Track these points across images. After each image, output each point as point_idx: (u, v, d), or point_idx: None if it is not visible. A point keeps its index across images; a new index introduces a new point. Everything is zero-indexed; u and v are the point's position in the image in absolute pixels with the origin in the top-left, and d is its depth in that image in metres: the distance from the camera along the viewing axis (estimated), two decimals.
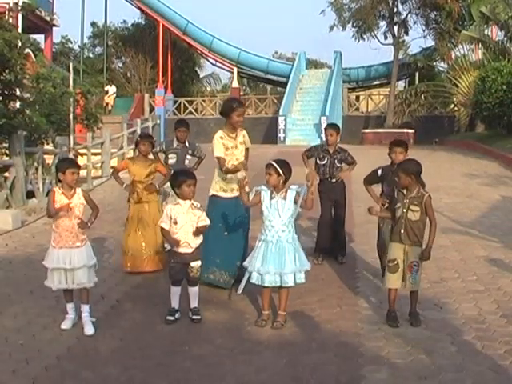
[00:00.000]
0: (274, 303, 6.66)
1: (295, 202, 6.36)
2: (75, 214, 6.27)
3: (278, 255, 6.31)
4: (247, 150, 7.82)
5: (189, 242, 6.47)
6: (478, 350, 5.72)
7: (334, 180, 8.85)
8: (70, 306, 6.42)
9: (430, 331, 6.20)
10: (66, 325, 6.31)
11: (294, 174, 6.49)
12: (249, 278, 6.53)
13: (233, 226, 7.60)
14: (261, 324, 6.40)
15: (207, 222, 6.53)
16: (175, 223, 6.45)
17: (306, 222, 10.78)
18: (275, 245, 6.34)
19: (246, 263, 6.56)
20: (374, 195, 7.72)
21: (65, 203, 6.23)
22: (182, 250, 6.50)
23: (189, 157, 9.36)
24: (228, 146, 7.53)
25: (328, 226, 9.00)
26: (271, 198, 6.39)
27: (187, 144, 9.40)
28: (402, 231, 6.35)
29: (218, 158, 7.53)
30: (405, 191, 6.38)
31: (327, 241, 8.97)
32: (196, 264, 6.53)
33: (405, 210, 6.34)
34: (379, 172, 7.75)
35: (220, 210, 7.57)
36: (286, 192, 6.38)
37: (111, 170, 18.48)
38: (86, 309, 6.35)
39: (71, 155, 17.09)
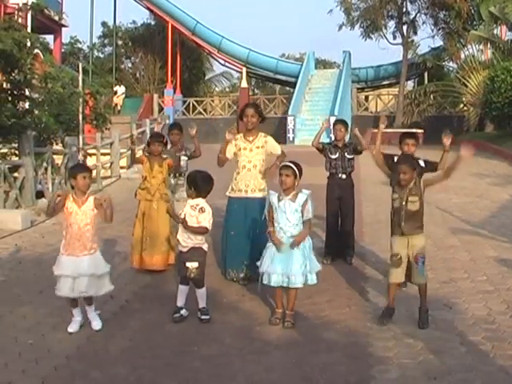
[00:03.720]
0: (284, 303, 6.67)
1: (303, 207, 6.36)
2: (85, 222, 6.21)
3: (285, 256, 6.33)
4: (280, 156, 8.06)
5: (179, 241, 6.51)
6: (487, 351, 5.70)
7: (344, 176, 8.86)
8: (75, 311, 6.35)
9: (440, 331, 6.18)
10: (72, 328, 6.26)
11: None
12: (261, 278, 6.54)
13: (240, 225, 7.83)
14: (274, 322, 6.43)
15: (203, 224, 6.40)
16: None
17: (314, 222, 10.70)
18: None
19: (258, 263, 6.58)
20: (376, 148, 7.61)
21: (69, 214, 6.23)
22: (179, 247, 6.60)
23: (184, 158, 9.40)
24: (240, 147, 7.98)
25: (336, 225, 8.99)
26: (279, 201, 6.41)
27: (180, 147, 9.45)
28: (403, 223, 6.37)
29: None
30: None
31: (336, 240, 8.95)
32: (191, 265, 6.42)
33: (404, 203, 6.36)
34: (395, 158, 7.45)
35: (228, 209, 8.03)
36: (296, 195, 6.38)
37: (120, 171, 18.59)
38: (91, 309, 6.37)
39: (80, 155, 17.15)
